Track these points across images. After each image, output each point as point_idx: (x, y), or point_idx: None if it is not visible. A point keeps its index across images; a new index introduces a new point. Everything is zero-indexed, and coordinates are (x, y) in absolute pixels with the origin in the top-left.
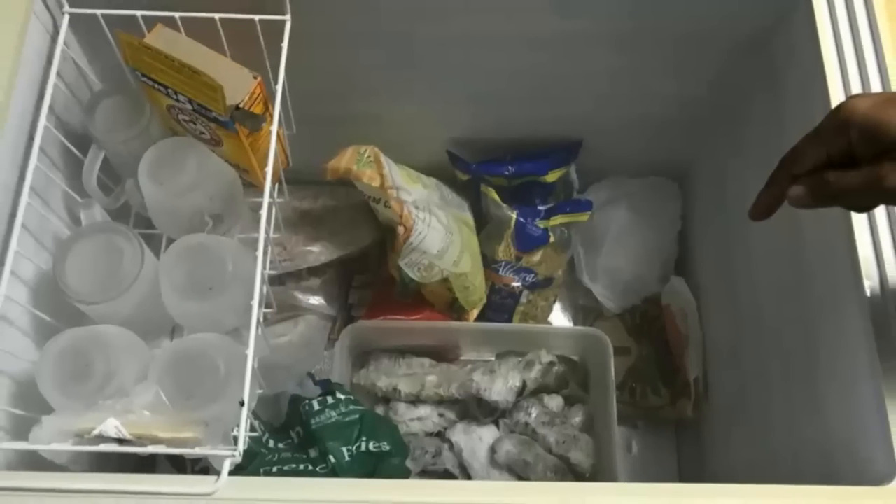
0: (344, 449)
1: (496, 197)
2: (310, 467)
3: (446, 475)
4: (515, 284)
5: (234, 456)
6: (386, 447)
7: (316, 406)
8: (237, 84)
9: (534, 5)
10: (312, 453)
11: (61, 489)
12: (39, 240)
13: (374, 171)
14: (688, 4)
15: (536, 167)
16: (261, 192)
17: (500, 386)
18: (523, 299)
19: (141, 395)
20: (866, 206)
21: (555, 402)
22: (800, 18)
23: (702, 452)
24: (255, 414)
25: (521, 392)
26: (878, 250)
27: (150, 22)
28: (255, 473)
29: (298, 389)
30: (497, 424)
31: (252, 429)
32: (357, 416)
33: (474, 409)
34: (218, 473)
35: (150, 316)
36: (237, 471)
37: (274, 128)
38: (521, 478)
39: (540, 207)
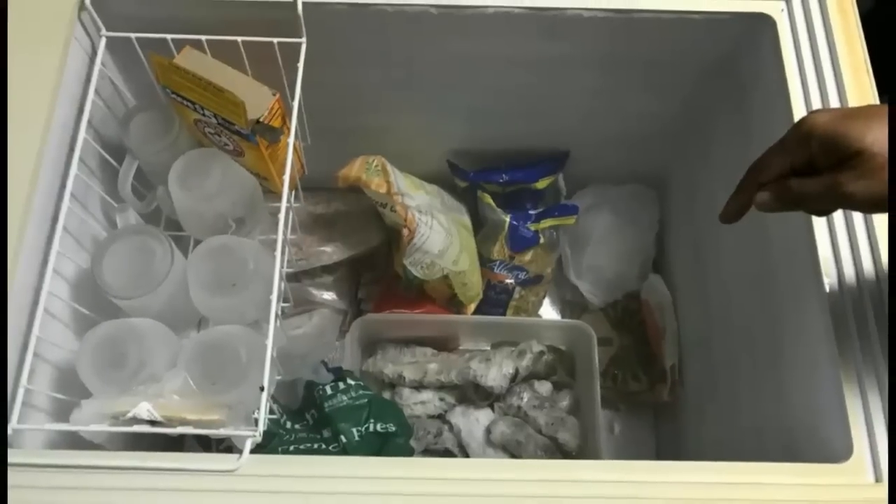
0: (354, 430)
1: (491, 202)
2: (323, 446)
3: (446, 454)
4: (509, 281)
5: (254, 436)
6: (392, 428)
7: (329, 391)
8: (258, 100)
9: (524, 31)
10: (325, 433)
11: (99, 466)
12: (79, 241)
13: (382, 178)
14: (661, 31)
15: (528, 175)
16: (279, 198)
17: (495, 373)
18: (516, 295)
19: (171, 381)
20: (825, 211)
21: (544, 387)
22: (765, 44)
23: (677, 433)
24: (273, 398)
25: (514, 378)
26: (837, 250)
27: (180, 44)
28: (274, 452)
29: (313, 376)
30: (492, 408)
31: (271, 411)
32: (366, 400)
33: (472, 393)
34: (240, 452)
35: (178, 309)
36: (257, 449)
37: (291, 140)
38: (514, 456)
39: (531, 212)
